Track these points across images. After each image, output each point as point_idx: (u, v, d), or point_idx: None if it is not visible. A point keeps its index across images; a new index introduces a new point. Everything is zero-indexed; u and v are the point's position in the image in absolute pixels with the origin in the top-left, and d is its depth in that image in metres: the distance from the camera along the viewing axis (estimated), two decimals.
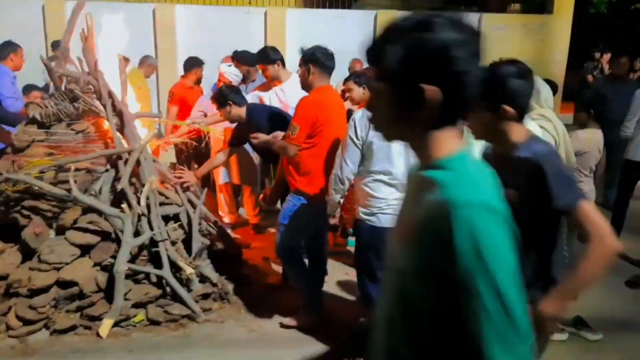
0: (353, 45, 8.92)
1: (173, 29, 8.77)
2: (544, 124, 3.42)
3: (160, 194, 4.00)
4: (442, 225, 1.02)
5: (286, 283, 4.18)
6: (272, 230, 5.19)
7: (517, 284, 1.07)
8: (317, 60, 3.42)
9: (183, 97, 6.00)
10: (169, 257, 3.71)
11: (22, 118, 4.46)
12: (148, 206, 3.79)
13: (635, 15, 12.61)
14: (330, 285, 4.11)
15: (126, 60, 5.90)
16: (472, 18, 10.50)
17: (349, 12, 9.86)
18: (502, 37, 9.19)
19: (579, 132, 4.09)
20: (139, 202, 3.74)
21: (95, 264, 3.66)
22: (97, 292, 3.61)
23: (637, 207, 6.39)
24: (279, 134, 3.61)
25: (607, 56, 7.64)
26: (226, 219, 5.50)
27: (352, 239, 4.64)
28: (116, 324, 3.54)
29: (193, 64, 6.16)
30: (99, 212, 3.75)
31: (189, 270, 3.71)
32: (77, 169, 3.85)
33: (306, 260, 3.79)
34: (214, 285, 3.91)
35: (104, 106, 4.13)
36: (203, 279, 3.90)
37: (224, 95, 3.97)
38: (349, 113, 3.83)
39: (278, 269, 4.51)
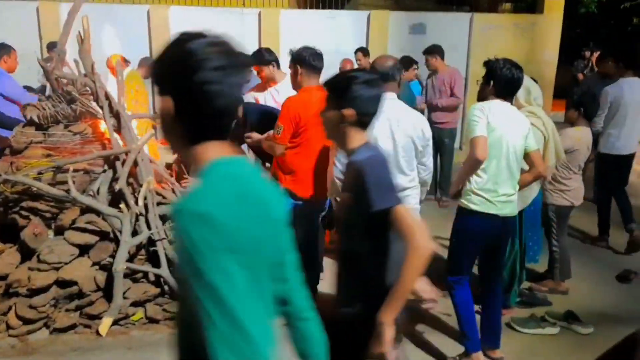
0: (346, 46, 9.04)
1: (167, 30, 8.79)
2: (533, 120, 3.50)
3: (158, 193, 4.04)
4: (173, 233, 1.12)
5: None
6: None
7: (253, 291, 1.10)
8: (304, 60, 3.46)
9: None
10: (166, 256, 3.75)
11: (20, 120, 4.49)
12: (146, 206, 3.83)
13: (625, 14, 12.74)
14: (326, 283, 4.14)
15: (126, 62, 5.95)
16: (463, 18, 10.57)
17: (342, 12, 9.91)
18: (493, 37, 9.26)
19: (569, 130, 4.16)
20: (136, 202, 3.77)
21: (94, 264, 3.69)
22: (96, 291, 3.65)
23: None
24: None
25: (597, 54, 7.73)
26: None
27: None
28: (115, 322, 3.58)
29: None
30: (97, 212, 3.78)
31: None
32: (75, 170, 3.89)
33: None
34: None
35: (101, 108, 4.17)
36: None
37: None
38: None
39: None
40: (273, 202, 1.25)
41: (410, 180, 3.05)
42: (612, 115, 5.06)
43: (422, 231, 1.86)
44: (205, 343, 1.05)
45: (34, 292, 3.53)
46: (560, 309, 3.89)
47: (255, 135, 3.75)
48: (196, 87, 1.12)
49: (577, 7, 12.93)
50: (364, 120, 2.04)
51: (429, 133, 3.13)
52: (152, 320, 3.67)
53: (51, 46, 6.61)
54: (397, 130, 2.96)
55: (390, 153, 2.93)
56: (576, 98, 4.27)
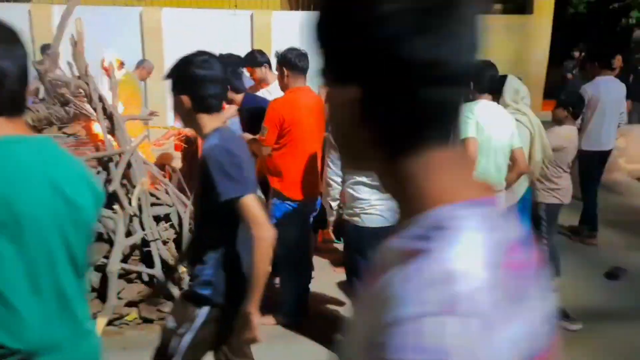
0: None
1: (160, 32, 8.82)
2: (519, 117, 3.64)
3: (152, 194, 4.06)
4: None
5: (275, 281, 4.25)
6: None
7: (21, 266, 1.17)
8: (289, 62, 3.49)
9: None
10: (160, 257, 3.77)
11: None
12: (139, 207, 3.85)
13: (614, 15, 12.86)
14: (317, 282, 4.15)
15: (121, 64, 5.95)
16: None
17: None
18: (483, 38, 9.34)
19: (557, 129, 4.22)
20: (130, 203, 3.79)
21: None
22: (90, 291, 3.66)
23: (616, 201, 6.59)
24: None
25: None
26: None
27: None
28: (110, 323, 3.60)
29: None
30: None
31: (180, 269, 3.79)
32: None
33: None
34: None
35: (95, 109, 4.19)
36: None
37: (227, 78, 4.07)
38: None
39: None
40: (60, 186, 1.25)
41: None
42: (591, 113, 5.18)
43: (265, 221, 1.87)
44: None
45: None
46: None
47: (247, 136, 3.79)
48: None
49: (567, 7, 13.04)
50: (205, 105, 1.95)
51: None
52: (146, 320, 3.69)
53: (45, 49, 6.61)
54: None
55: None
56: (563, 97, 4.37)
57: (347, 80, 0.63)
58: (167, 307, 3.71)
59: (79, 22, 4.35)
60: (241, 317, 1.96)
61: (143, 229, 3.80)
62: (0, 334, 1.15)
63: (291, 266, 3.72)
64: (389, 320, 0.52)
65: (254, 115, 3.91)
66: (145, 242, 3.83)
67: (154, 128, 6.54)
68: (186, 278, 3.86)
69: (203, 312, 2.05)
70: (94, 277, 3.67)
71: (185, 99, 1.93)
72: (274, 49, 8.66)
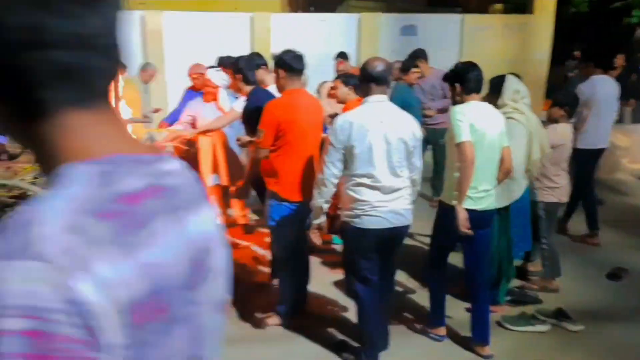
0: (337, 48, 9.12)
1: (161, 35, 8.85)
2: (516, 116, 3.70)
3: None
4: None
5: (274, 282, 4.24)
6: (261, 230, 5.27)
7: None
8: (284, 63, 3.49)
9: None
10: None
11: None
12: None
13: (615, 14, 12.83)
14: (315, 283, 4.15)
15: (123, 67, 5.95)
16: (454, 19, 10.63)
17: (333, 15, 9.98)
18: (484, 38, 9.34)
19: (555, 126, 4.22)
20: None
21: None
22: None
23: (619, 201, 6.59)
24: None
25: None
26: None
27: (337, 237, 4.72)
28: None
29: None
30: None
31: None
32: None
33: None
34: None
35: None
36: None
37: (241, 67, 4.20)
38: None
39: (266, 268, 4.57)
40: None
41: (403, 182, 3.09)
42: (587, 112, 5.20)
43: None
44: None
45: None
46: (551, 306, 3.91)
47: (244, 138, 3.81)
48: None
49: (568, 7, 13.02)
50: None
51: (419, 134, 3.18)
52: None
53: None
54: (390, 132, 2.99)
55: (383, 155, 2.99)
56: (559, 97, 4.43)
57: None
58: None
59: None
60: None
61: None
62: None
63: (289, 267, 3.72)
64: None
65: (258, 110, 3.93)
66: None
67: (154, 131, 6.55)
68: None
69: None
70: None
71: None
72: (273, 50, 8.71)
